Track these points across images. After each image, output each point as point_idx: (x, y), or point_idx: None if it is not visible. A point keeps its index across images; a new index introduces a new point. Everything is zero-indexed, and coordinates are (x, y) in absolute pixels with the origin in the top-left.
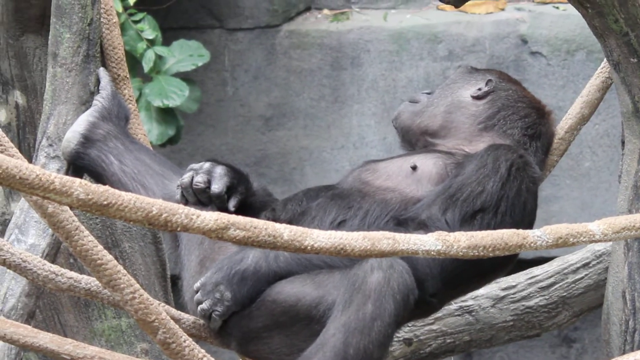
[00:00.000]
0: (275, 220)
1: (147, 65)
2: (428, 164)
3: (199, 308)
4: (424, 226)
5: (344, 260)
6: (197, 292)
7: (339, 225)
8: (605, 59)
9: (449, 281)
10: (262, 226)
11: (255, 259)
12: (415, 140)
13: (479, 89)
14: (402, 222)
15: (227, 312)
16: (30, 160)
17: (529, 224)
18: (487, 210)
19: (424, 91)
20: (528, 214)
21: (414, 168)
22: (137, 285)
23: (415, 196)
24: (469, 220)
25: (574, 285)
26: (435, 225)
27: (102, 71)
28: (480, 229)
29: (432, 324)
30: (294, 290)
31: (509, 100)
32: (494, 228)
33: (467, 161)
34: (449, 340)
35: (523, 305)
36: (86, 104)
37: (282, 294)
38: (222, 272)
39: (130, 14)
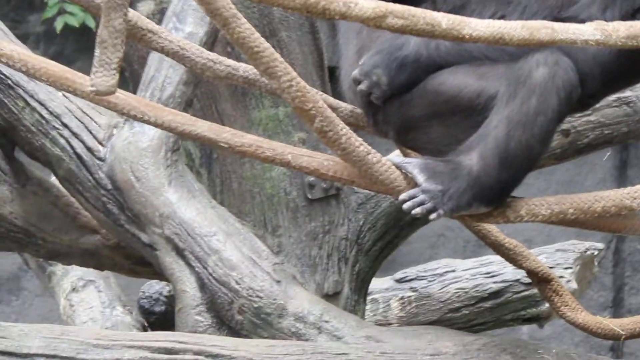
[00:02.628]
0: (436, 11)
1: None
2: None
3: (357, 88)
4: None
5: (504, 55)
6: (356, 73)
7: (498, 20)
8: None
9: (608, 82)
10: (420, 14)
11: (417, 46)
12: None
13: None
14: (562, 22)
15: (383, 96)
16: None
17: None
18: None
19: None
20: None
21: None
22: (294, 73)
23: None
24: (629, 19)
25: None
26: None
27: None
28: None
29: (589, 115)
30: (456, 80)
31: None
32: None
33: None
34: (606, 132)
35: None
36: None
37: (444, 85)
38: (382, 55)
39: None
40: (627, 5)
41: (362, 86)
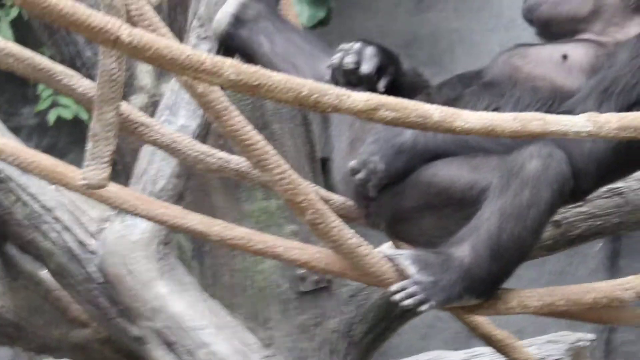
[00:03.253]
0: (429, 103)
1: None
2: (579, 53)
3: (356, 177)
4: None
5: (499, 145)
6: (354, 164)
7: (492, 112)
8: None
9: (603, 176)
10: (412, 107)
11: (414, 133)
12: (558, 29)
13: None
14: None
15: (380, 183)
16: (181, 42)
17: None
18: None
19: None
20: None
21: (565, 57)
22: (287, 165)
23: (565, 85)
24: None
25: None
26: None
27: None
28: None
29: (581, 206)
30: (449, 172)
31: None
32: None
33: (620, 50)
34: (598, 223)
35: None
36: None
37: (437, 176)
38: (379, 143)
39: None
40: (624, 99)
41: (360, 175)
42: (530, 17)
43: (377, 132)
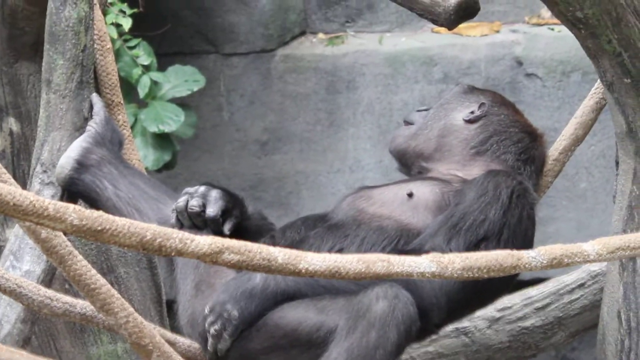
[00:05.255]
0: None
1: (142, 91)
2: (424, 191)
3: (211, 330)
4: None
5: (350, 284)
6: (207, 315)
7: (337, 253)
8: (598, 80)
9: (454, 310)
10: (256, 250)
11: (264, 277)
12: (411, 163)
13: (472, 112)
14: (406, 254)
15: (236, 331)
16: (24, 187)
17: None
18: (491, 239)
19: (419, 108)
20: (529, 240)
21: (410, 195)
22: (131, 309)
23: (411, 223)
24: (473, 249)
25: (569, 305)
26: None
27: (95, 97)
28: None
29: (427, 345)
30: (297, 314)
31: (501, 125)
32: None
33: (467, 188)
34: None
35: (519, 326)
36: (80, 130)
37: (284, 318)
38: (229, 292)
39: (125, 40)
40: (472, 235)
41: (216, 326)
42: (390, 149)
43: (227, 281)
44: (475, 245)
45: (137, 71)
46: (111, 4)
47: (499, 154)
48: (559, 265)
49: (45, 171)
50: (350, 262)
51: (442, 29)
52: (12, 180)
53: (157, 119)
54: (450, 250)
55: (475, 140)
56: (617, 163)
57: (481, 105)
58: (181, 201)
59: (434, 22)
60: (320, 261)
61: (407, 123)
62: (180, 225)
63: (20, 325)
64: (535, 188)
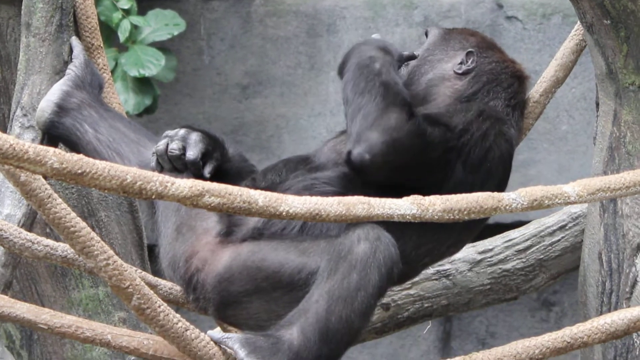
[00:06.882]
0: (256, 189)
1: (122, 35)
2: None
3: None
4: None
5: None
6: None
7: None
8: (578, 22)
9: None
10: (236, 193)
11: None
12: None
13: (461, 63)
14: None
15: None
16: (4, 131)
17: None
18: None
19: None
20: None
21: None
22: (111, 252)
23: None
24: None
25: (550, 247)
26: None
27: (74, 40)
28: None
29: (409, 288)
30: (278, 256)
31: (493, 74)
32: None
33: None
34: (426, 305)
35: (500, 268)
36: (60, 73)
37: (265, 261)
38: None
39: None
40: None
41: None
42: None
43: None
44: None
45: (117, 15)
46: None
47: (487, 100)
48: (540, 206)
49: (25, 115)
50: (331, 204)
51: None
52: None
53: (138, 63)
54: None
55: (467, 92)
56: (597, 105)
57: (469, 53)
58: (161, 144)
59: None
60: (300, 204)
61: None
62: (161, 169)
63: (1, 269)
64: (519, 131)
